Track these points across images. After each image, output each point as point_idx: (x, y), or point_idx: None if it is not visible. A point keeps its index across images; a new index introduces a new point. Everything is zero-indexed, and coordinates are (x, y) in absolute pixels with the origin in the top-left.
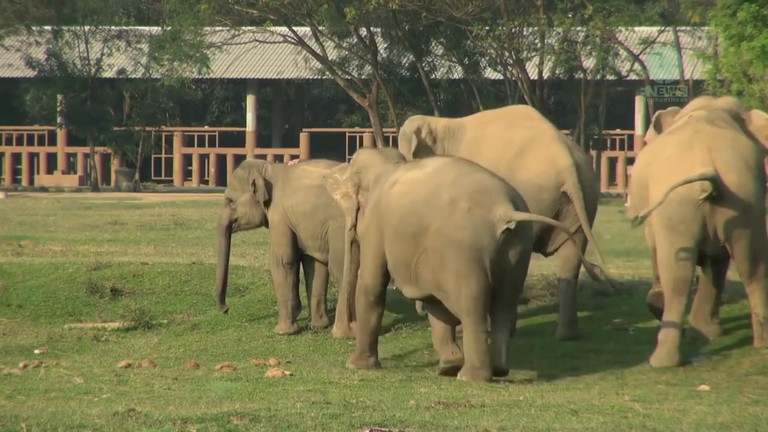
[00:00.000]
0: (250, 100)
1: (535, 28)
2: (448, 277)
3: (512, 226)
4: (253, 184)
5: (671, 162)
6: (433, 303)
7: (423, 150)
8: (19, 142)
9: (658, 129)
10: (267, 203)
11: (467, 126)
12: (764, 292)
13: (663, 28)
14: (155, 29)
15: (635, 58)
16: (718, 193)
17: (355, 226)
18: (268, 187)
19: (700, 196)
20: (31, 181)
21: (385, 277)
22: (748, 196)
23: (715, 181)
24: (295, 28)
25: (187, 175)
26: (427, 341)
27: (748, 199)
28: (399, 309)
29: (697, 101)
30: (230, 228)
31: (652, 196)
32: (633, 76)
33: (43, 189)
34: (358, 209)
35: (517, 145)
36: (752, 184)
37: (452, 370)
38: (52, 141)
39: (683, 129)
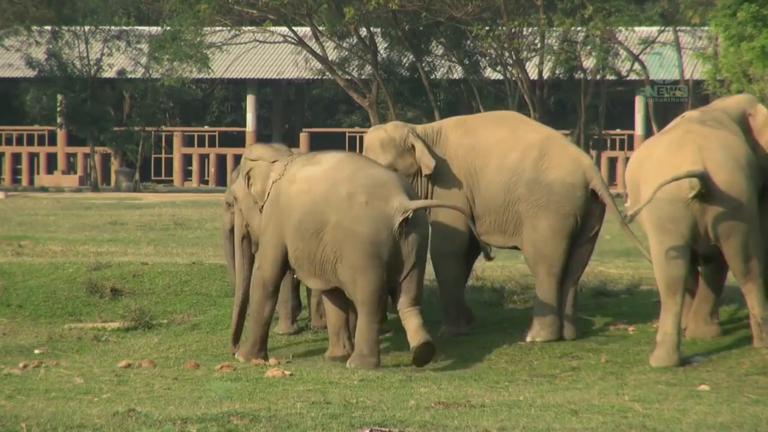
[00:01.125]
0: (250, 100)
1: (535, 28)
2: (345, 269)
3: (410, 215)
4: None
5: (661, 162)
6: (334, 294)
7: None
8: (19, 142)
9: None
10: None
11: (447, 130)
12: (760, 291)
13: (663, 28)
14: (155, 29)
15: (635, 58)
16: (708, 192)
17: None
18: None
19: (689, 195)
20: (31, 181)
21: (283, 270)
22: (739, 194)
23: (703, 178)
24: (295, 28)
25: (187, 175)
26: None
27: (739, 198)
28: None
29: (714, 103)
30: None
31: (643, 195)
32: (633, 76)
33: (43, 189)
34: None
35: (537, 148)
36: (744, 183)
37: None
38: (52, 141)
39: (675, 129)
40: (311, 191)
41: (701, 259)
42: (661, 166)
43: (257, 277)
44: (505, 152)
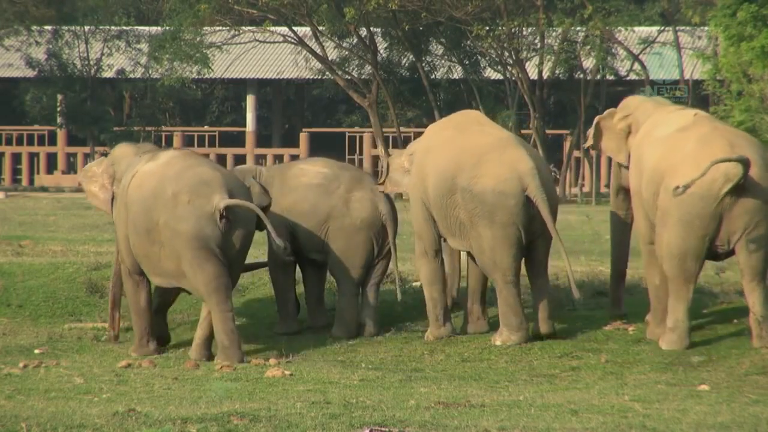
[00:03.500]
0: (250, 100)
1: (535, 28)
2: (186, 266)
3: (223, 212)
4: None
5: (692, 157)
6: (166, 291)
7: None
8: (19, 142)
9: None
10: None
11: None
12: (764, 291)
13: (663, 28)
14: (155, 29)
15: (635, 58)
16: (741, 185)
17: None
18: (265, 190)
19: (723, 189)
20: (31, 181)
21: None
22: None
23: (747, 165)
24: (295, 28)
25: None
26: (427, 342)
27: (767, 194)
28: (399, 310)
29: (631, 100)
30: None
31: (669, 188)
32: (633, 76)
33: (43, 189)
34: (113, 199)
35: (474, 153)
36: None
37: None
38: (52, 141)
39: (698, 126)
40: (143, 186)
41: (721, 256)
42: (691, 161)
43: (123, 271)
44: (445, 159)
